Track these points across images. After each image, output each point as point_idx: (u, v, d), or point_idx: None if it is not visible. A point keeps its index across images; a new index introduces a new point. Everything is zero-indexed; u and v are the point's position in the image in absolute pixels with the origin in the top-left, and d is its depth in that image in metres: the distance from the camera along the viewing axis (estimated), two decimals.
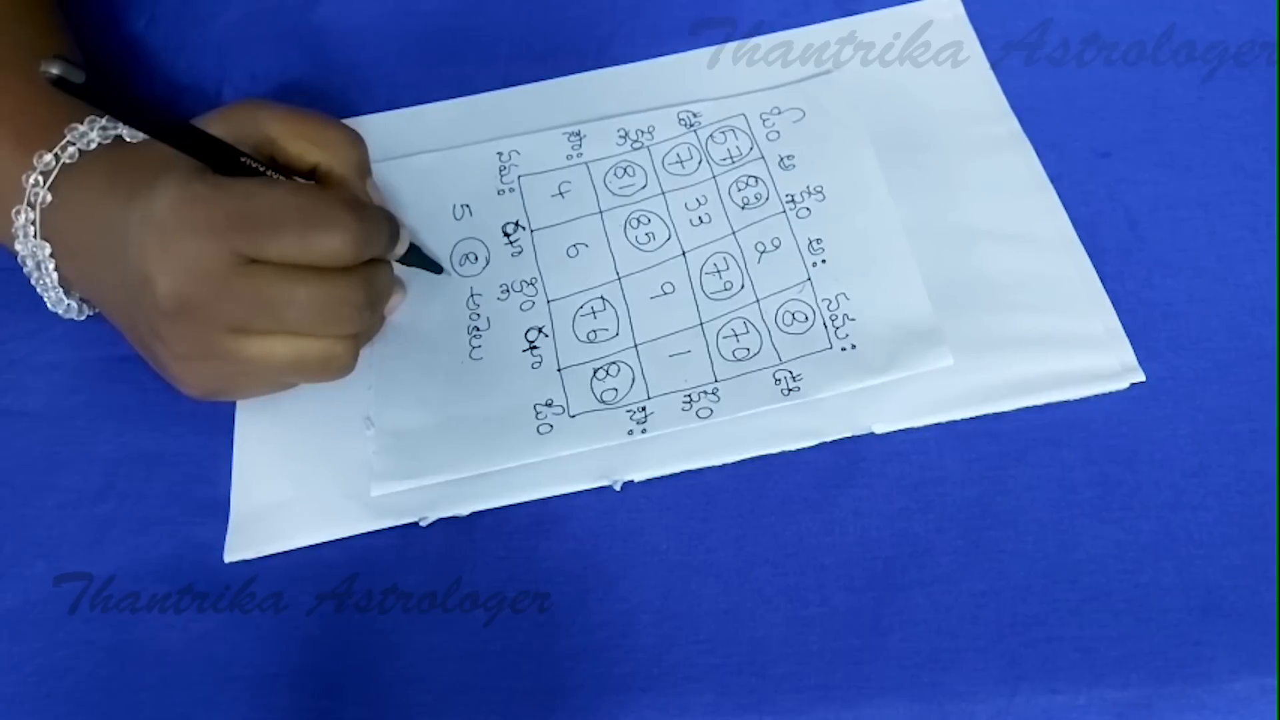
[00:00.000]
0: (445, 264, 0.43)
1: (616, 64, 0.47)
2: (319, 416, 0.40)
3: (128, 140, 0.39)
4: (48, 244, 0.38)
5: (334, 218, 0.35)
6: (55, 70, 0.30)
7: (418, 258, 0.41)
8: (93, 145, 0.38)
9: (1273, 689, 0.33)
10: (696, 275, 0.42)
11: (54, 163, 0.38)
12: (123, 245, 0.35)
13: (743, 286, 0.41)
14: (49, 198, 0.37)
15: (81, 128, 0.38)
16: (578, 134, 0.46)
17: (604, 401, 0.39)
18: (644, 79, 0.47)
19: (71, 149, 0.38)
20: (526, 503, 0.38)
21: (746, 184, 0.43)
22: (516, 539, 0.37)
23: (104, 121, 0.39)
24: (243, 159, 0.36)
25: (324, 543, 0.38)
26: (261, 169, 0.36)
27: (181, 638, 0.36)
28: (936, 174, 0.43)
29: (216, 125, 0.36)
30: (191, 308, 0.34)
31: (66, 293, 0.40)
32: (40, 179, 0.37)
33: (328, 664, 0.36)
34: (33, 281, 0.39)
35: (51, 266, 0.38)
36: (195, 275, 0.34)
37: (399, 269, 0.41)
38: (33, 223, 0.38)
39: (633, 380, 0.39)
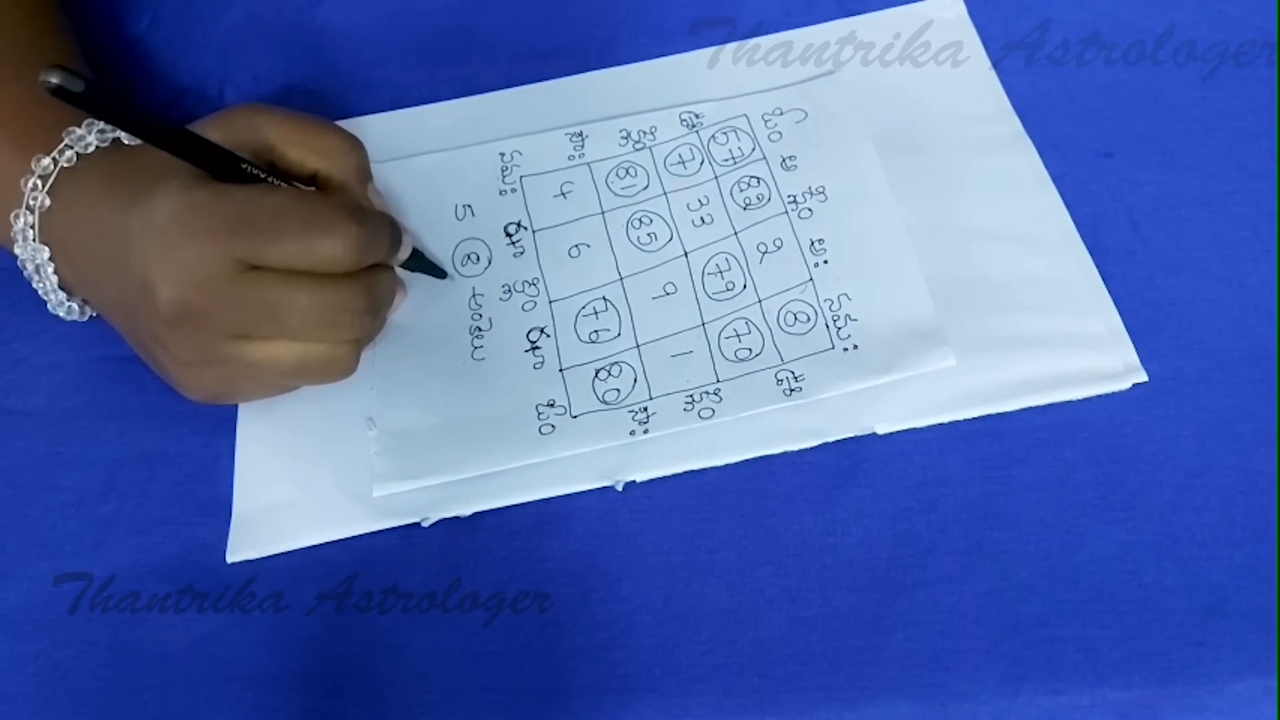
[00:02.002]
0: (448, 265, 0.43)
1: (618, 64, 0.47)
2: (321, 417, 0.40)
3: (126, 144, 0.39)
4: (46, 247, 0.38)
5: (334, 224, 0.35)
6: (55, 80, 0.30)
7: (421, 263, 0.41)
8: (90, 149, 0.38)
9: (1275, 690, 0.33)
10: (698, 276, 0.42)
11: (52, 166, 0.38)
12: (123, 251, 0.35)
13: (745, 287, 0.41)
14: (48, 201, 0.37)
15: (79, 131, 0.38)
16: (580, 134, 0.46)
17: (606, 402, 0.39)
18: (645, 79, 0.47)
19: (69, 153, 0.38)
20: (528, 503, 0.38)
21: (748, 185, 0.43)
22: (518, 539, 0.37)
23: (101, 125, 0.38)
24: (242, 165, 0.36)
25: (324, 543, 0.38)
26: (261, 175, 0.36)
27: (183, 638, 0.36)
28: (938, 174, 0.43)
29: (215, 131, 0.36)
30: (193, 314, 0.34)
31: (69, 295, 0.40)
32: (39, 183, 0.37)
33: (328, 664, 0.36)
34: (33, 284, 0.39)
35: (51, 270, 0.38)
36: (196, 282, 0.34)
37: (401, 272, 0.41)
38: (31, 226, 0.38)
39: (634, 381, 0.39)
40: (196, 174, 0.35)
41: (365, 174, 0.40)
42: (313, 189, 0.38)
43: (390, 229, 0.38)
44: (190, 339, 0.35)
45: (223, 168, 0.36)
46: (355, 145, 0.39)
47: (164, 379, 0.39)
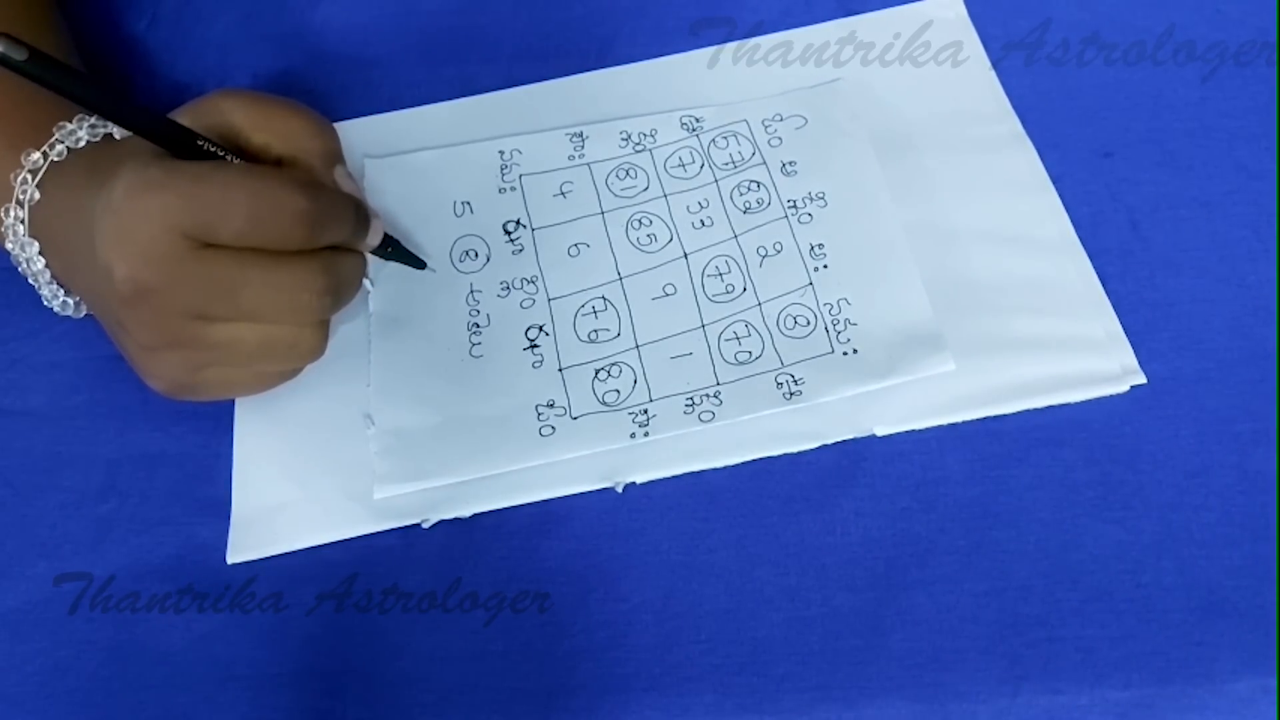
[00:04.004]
0: (445, 261, 0.43)
1: (618, 64, 0.47)
2: (319, 416, 0.40)
3: (116, 138, 0.38)
4: (36, 241, 0.38)
5: (283, 199, 0.34)
6: None
7: (399, 252, 0.41)
8: (81, 143, 0.38)
9: (1274, 689, 0.33)
10: (698, 277, 0.42)
11: (41, 161, 0.37)
12: (90, 236, 0.35)
13: (744, 290, 0.41)
14: (37, 195, 0.37)
15: (70, 125, 0.38)
16: (580, 135, 0.46)
17: (606, 404, 0.39)
18: (645, 79, 0.47)
19: (60, 147, 0.38)
20: (528, 503, 0.38)
21: (748, 189, 0.43)
22: (518, 539, 0.37)
23: (93, 120, 0.38)
24: (199, 142, 0.35)
25: (325, 543, 0.38)
26: (221, 153, 0.36)
27: (182, 638, 0.37)
28: (937, 174, 0.43)
29: (185, 117, 0.36)
30: (148, 293, 0.34)
31: (65, 291, 0.40)
32: (28, 177, 0.37)
33: (328, 664, 0.36)
34: (29, 280, 0.39)
35: (42, 264, 0.38)
36: (149, 260, 0.33)
37: (396, 266, 0.41)
38: (21, 221, 0.38)
39: (634, 382, 0.39)
40: (156, 153, 0.35)
41: (332, 157, 0.39)
42: (266, 166, 0.38)
43: (352, 210, 0.37)
44: (148, 320, 0.35)
45: (183, 146, 0.35)
46: (322, 128, 0.39)
47: (133, 369, 0.38)
